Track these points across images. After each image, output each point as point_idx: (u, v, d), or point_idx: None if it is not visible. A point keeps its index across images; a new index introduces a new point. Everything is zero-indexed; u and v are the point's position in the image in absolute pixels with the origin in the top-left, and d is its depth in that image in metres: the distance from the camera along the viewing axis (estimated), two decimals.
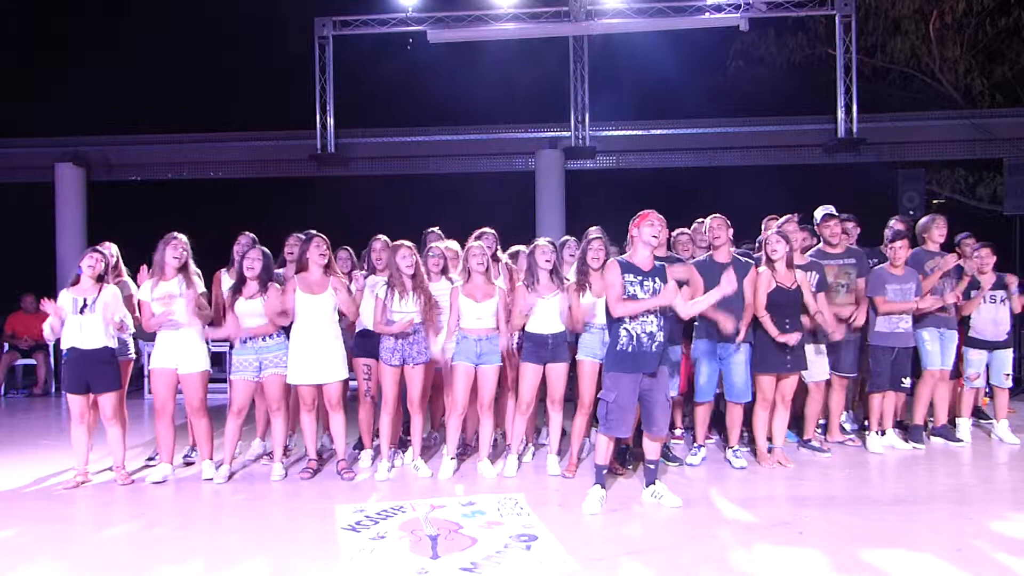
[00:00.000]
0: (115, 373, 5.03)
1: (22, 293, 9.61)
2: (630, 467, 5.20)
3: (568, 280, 5.17)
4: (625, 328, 4.32)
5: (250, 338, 5.07)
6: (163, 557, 3.73)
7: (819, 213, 5.91)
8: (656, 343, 4.32)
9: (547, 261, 5.05)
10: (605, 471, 4.53)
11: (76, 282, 4.98)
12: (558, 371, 5.15)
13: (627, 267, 4.37)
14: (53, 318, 4.94)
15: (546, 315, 5.08)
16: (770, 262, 5.23)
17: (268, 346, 5.10)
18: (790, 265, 5.26)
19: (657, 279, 4.35)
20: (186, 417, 5.41)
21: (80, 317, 4.91)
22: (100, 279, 5.02)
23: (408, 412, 5.30)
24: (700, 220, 5.96)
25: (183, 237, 5.18)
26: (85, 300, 4.93)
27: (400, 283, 5.04)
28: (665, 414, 4.44)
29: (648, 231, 4.35)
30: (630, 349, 4.32)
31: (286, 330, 5.14)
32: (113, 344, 5.02)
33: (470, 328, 5.06)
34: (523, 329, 5.15)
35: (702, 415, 5.47)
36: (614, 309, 4.32)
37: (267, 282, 5.12)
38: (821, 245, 5.87)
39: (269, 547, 3.86)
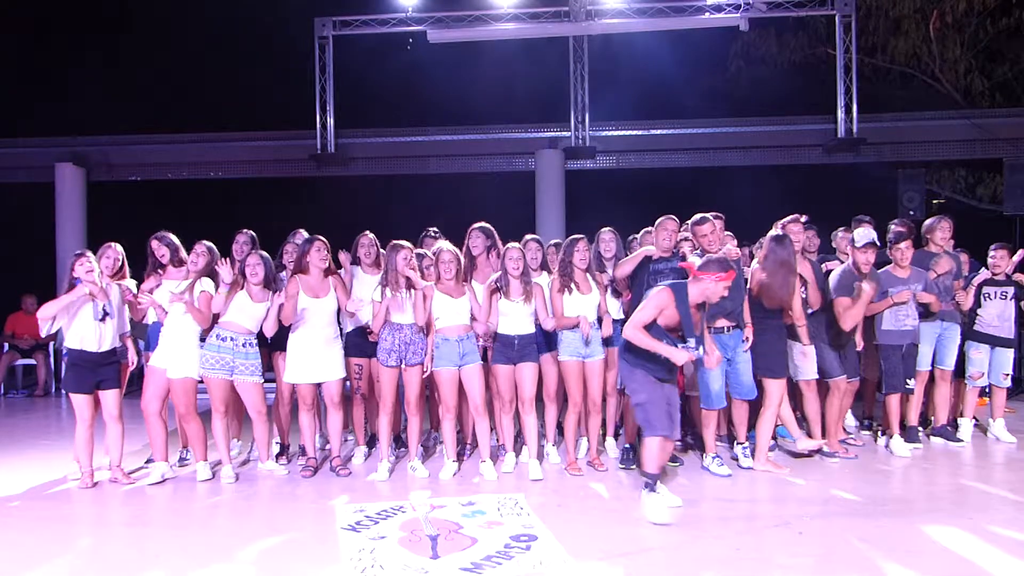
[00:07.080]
0: (119, 368, 5.07)
1: (23, 293, 9.61)
2: (633, 467, 5.21)
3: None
4: None
5: (231, 337, 5.05)
6: (162, 557, 3.74)
7: (861, 238, 5.46)
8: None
9: (516, 268, 5.10)
10: (656, 478, 4.31)
11: (72, 289, 4.86)
12: (525, 371, 5.18)
13: (686, 318, 4.19)
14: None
15: (514, 317, 5.14)
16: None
17: (247, 352, 5.08)
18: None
19: (693, 340, 4.21)
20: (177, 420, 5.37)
21: (101, 325, 4.90)
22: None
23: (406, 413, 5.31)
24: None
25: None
26: (105, 308, 4.92)
27: (395, 282, 5.07)
28: (677, 416, 4.48)
29: (716, 291, 4.21)
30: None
31: (261, 336, 5.16)
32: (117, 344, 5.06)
33: (449, 326, 5.08)
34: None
35: (714, 422, 5.22)
36: (629, 329, 4.25)
37: (269, 287, 5.14)
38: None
39: (269, 547, 3.86)
